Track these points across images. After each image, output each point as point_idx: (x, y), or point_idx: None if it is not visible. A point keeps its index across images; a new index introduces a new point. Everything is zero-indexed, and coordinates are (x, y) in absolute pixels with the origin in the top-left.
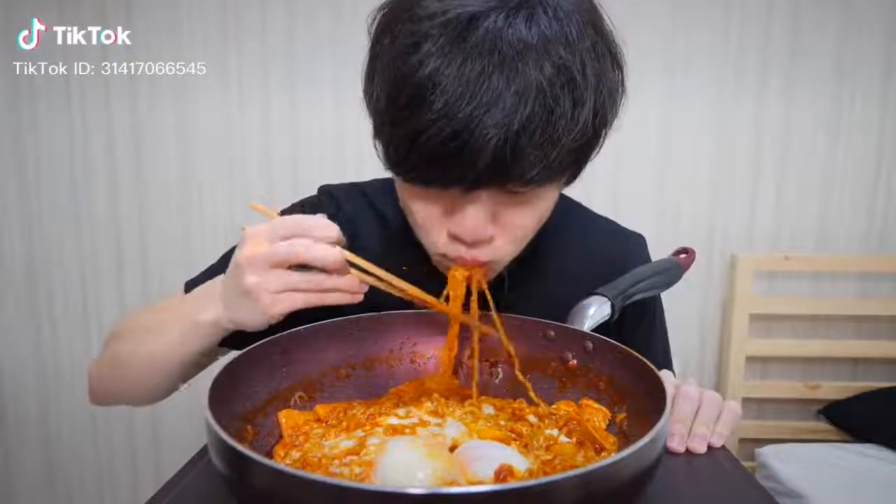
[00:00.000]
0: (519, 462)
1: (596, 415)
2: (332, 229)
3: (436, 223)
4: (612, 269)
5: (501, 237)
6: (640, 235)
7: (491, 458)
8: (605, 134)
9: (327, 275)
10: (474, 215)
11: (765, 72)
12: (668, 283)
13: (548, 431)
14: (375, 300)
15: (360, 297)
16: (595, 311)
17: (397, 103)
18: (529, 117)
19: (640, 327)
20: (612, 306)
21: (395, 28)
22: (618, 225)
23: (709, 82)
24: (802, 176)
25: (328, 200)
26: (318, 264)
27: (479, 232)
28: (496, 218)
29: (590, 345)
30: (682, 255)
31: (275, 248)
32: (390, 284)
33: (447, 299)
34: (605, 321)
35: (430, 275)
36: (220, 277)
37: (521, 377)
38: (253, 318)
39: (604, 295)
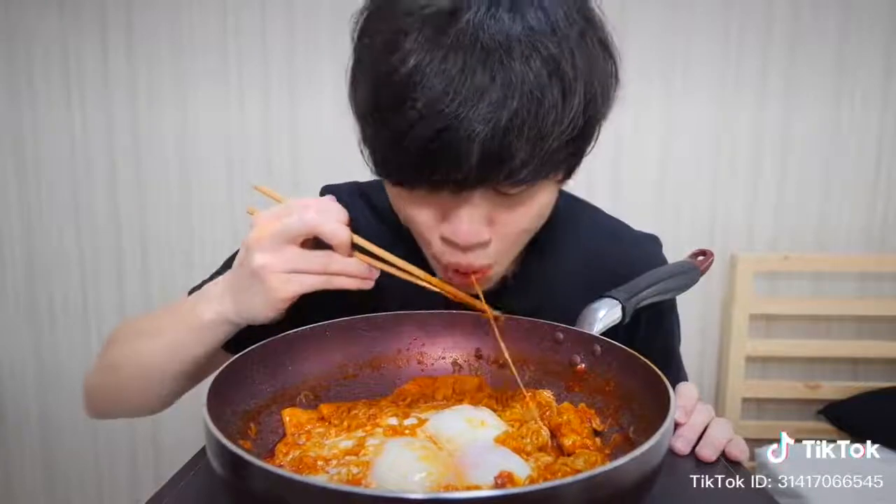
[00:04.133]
0: (519, 468)
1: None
2: (341, 211)
3: (430, 229)
4: (616, 274)
5: (497, 240)
6: (651, 238)
7: (491, 464)
8: (599, 126)
9: (335, 257)
10: (468, 219)
11: (765, 72)
12: (684, 287)
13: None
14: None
15: (371, 283)
16: (605, 314)
17: (380, 104)
18: (517, 111)
19: (654, 332)
20: (624, 310)
21: (375, 27)
22: (628, 228)
23: (709, 82)
24: (802, 176)
25: None
26: (330, 239)
27: (475, 236)
28: (491, 220)
29: (598, 349)
30: (700, 258)
31: (285, 222)
32: (397, 268)
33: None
34: (617, 325)
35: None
36: (222, 277)
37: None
38: (261, 305)
39: (615, 298)
